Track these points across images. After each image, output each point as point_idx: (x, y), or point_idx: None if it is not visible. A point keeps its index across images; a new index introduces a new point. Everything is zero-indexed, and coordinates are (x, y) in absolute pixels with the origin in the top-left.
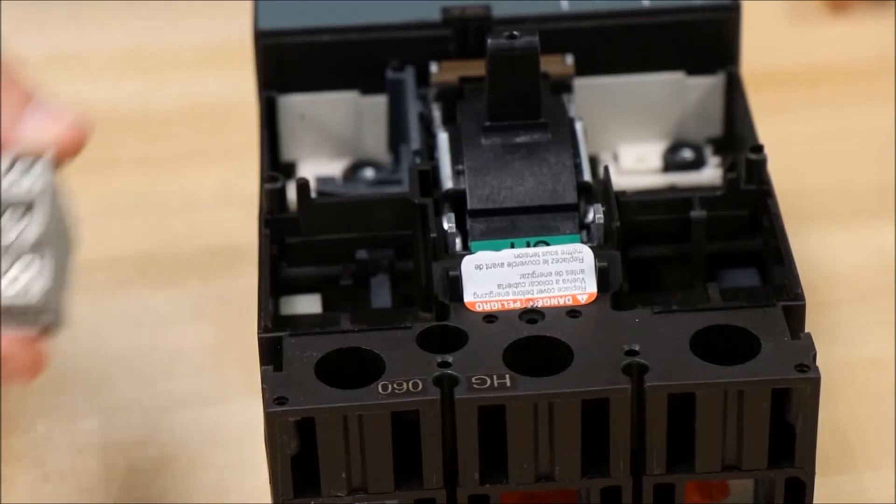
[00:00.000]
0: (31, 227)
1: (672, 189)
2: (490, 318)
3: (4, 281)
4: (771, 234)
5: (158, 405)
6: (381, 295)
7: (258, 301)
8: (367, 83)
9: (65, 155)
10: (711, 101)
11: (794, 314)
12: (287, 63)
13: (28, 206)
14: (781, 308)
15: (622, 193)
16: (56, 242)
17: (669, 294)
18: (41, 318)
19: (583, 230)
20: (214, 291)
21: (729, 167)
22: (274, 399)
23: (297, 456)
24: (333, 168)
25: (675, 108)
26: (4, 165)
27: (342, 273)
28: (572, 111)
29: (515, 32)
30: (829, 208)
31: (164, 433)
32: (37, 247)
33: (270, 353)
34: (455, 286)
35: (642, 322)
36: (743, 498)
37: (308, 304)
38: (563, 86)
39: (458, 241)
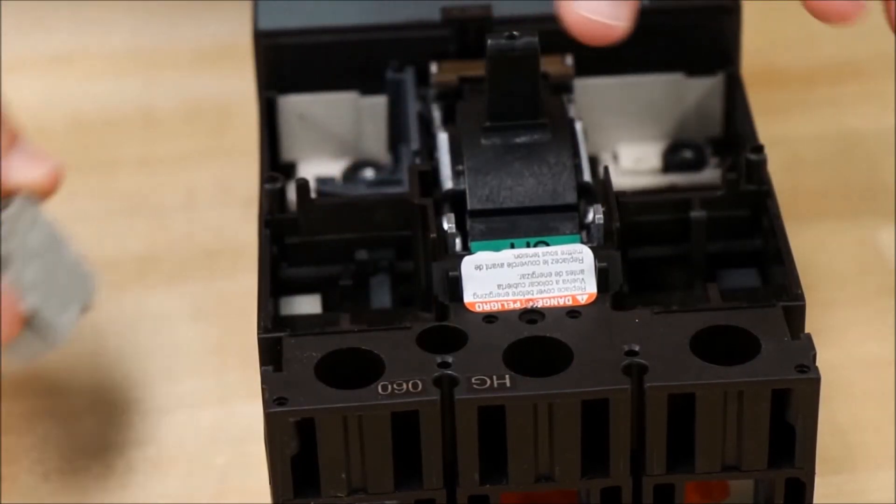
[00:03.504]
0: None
1: (672, 189)
2: (490, 318)
3: None
4: (771, 234)
5: (158, 405)
6: (381, 295)
7: (258, 301)
8: (367, 83)
9: (43, 197)
10: (711, 101)
11: (794, 314)
12: (287, 63)
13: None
14: (781, 308)
15: (622, 194)
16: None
17: (669, 294)
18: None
19: (583, 230)
20: (214, 291)
21: (729, 167)
22: (274, 399)
23: (297, 456)
24: (333, 168)
25: (675, 108)
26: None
27: (342, 273)
28: (572, 111)
29: (515, 32)
30: (829, 208)
31: (164, 433)
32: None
33: (270, 354)
34: (455, 286)
35: (642, 322)
36: (743, 498)
37: (308, 305)
38: (563, 86)
39: (457, 241)
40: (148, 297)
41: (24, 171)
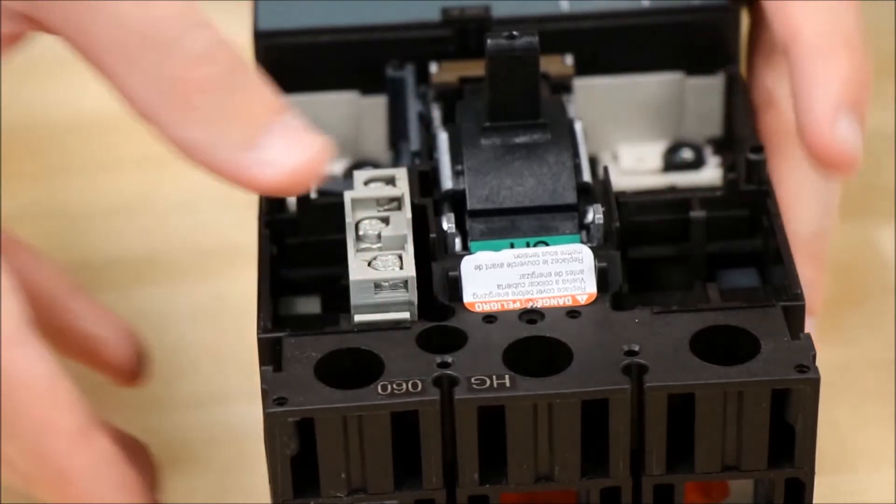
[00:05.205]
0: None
1: (672, 189)
2: (490, 318)
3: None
4: (771, 234)
5: (159, 405)
6: None
7: (258, 301)
8: (367, 83)
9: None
10: (711, 101)
11: (794, 314)
12: (287, 63)
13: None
14: (781, 308)
15: (622, 194)
16: None
17: (669, 294)
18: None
19: (582, 230)
20: (214, 291)
21: (729, 167)
22: (274, 399)
23: (296, 456)
24: (333, 168)
25: (675, 108)
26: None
27: (342, 273)
28: (572, 111)
29: (515, 32)
30: None
31: (165, 433)
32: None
33: (270, 354)
34: (455, 286)
35: (642, 322)
36: (743, 498)
37: (308, 305)
38: (563, 86)
39: (457, 241)
40: (148, 297)
41: (277, 153)
